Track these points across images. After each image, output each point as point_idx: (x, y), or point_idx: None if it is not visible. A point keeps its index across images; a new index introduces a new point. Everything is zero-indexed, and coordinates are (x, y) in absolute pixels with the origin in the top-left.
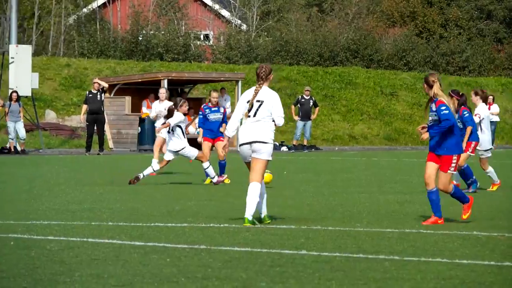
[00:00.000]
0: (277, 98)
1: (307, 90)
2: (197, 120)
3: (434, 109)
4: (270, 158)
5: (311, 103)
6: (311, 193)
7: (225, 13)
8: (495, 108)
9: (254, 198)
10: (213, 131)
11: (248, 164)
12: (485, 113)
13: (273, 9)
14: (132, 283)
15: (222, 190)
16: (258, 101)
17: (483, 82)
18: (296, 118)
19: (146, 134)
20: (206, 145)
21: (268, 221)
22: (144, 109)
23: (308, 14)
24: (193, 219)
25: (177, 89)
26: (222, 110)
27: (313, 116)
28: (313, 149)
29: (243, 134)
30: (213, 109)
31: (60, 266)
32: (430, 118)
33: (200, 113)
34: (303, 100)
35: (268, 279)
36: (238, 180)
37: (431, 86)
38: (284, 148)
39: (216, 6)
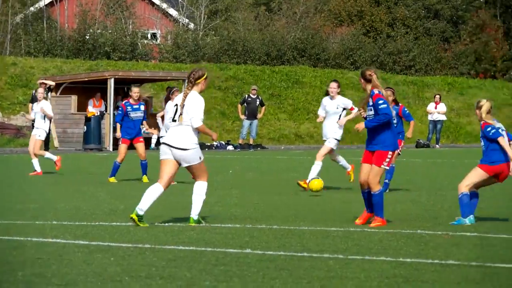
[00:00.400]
0: (196, 102)
1: (254, 89)
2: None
3: (371, 103)
4: (199, 160)
5: (258, 102)
6: (256, 192)
7: (172, 12)
8: (442, 107)
9: (199, 198)
10: (133, 130)
11: (162, 161)
12: None
13: (221, 8)
14: (76, 282)
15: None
16: (182, 105)
17: (430, 81)
18: (242, 117)
19: (92, 133)
20: (123, 147)
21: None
22: (90, 108)
23: (255, 13)
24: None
25: (123, 88)
26: (143, 107)
27: (259, 115)
28: (259, 148)
29: (167, 134)
30: (134, 106)
31: (3, 266)
32: (368, 113)
33: (120, 108)
34: (249, 99)
35: (212, 278)
36: (180, 179)
37: (368, 80)
38: (230, 147)
39: (164, 5)
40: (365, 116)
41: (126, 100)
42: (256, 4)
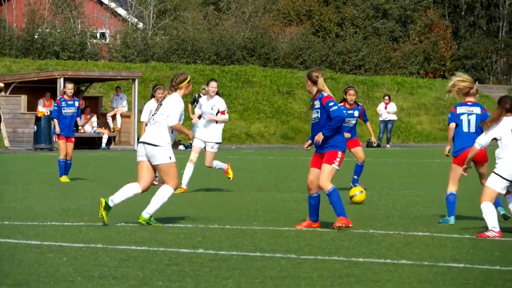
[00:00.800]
0: (174, 102)
1: (204, 89)
2: (94, 119)
3: (317, 106)
4: (169, 160)
5: None
6: (208, 192)
7: (121, 11)
8: (392, 107)
9: (158, 199)
10: (67, 126)
11: (138, 163)
12: None
13: (170, 7)
14: (28, 282)
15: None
16: (159, 104)
17: (379, 81)
18: (193, 116)
19: (42, 133)
20: (62, 143)
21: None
22: (40, 108)
23: (204, 12)
24: (90, 218)
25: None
26: (77, 104)
27: None
28: None
29: (143, 134)
30: (69, 102)
31: None
32: (313, 116)
33: (55, 104)
34: (199, 98)
35: (165, 278)
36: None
37: (315, 82)
38: (181, 147)
39: (113, 5)
40: (312, 121)
41: (61, 96)
42: (204, 3)
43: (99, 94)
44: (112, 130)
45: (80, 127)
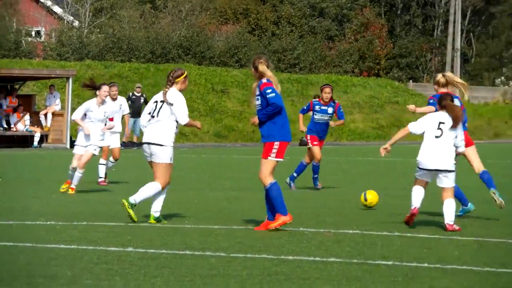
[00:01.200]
0: (179, 99)
1: (138, 87)
2: (26, 117)
3: (257, 93)
4: (169, 161)
5: (142, 100)
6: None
7: (57, 9)
8: None
9: (146, 190)
10: None
11: (150, 163)
12: None
13: (106, 5)
14: None
15: (51, 188)
16: (161, 101)
17: (314, 79)
18: None
19: None
20: None
21: (153, 222)
22: None
23: (141, 11)
24: (18, 216)
25: (6, 86)
26: None
27: None
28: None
29: (145, 133)
30: None
31: None
32: (256, 103)
33: None
34: (134, 97)
35: (94, 277)
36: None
37: (256, 68)
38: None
39: (48, 3)
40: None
41: None
42: (141, 2)
43: (33, 93)
44: (45, 129)
45: (12, 126)
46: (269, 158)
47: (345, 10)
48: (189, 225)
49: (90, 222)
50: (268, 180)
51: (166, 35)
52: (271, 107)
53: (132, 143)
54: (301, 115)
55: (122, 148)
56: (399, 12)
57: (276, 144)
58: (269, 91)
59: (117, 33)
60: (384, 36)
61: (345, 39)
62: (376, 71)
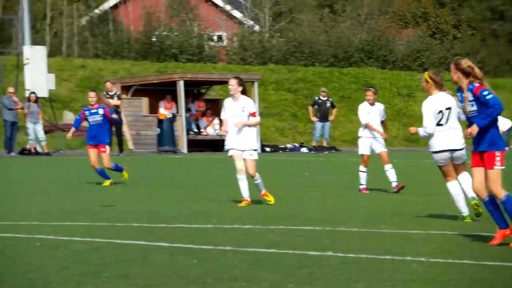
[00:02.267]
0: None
1: (324, 91)
2: (216, 121)
3: (471, 98)
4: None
5: (328, 104)
6: (334, 195)
7: (237, 14)
8: None
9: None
10: (94, 135)
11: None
12: None
13: (285, 10)
14: (159, 284)
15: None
16: (448, 108)
17: (499, 84)
18: (314, 119)
19: (165, 136)
20: (90, 152)
21: (468, 219)
22: (161, 110)
23: (320, 15)
24: (217, 220)
25: (193, 90)
26: (101, 111)
27: (331, 117)
28: (333, 151)
29: (440, 141)
30: (92, 110)
31: (87, 267)
32: (470, 109)
33: (79, 114)
34: (320, 101)
35: (296, 281)
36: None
37: (467, 73)
38: (304, 149)
39: (228, 7)
40: (468, 115)
41: (85, 107)
42: (319, 5)
43: (219, 97)
44: None
45: (202, 130)
46: (495, 167)
47: None
48: (386, 230)
49: (288, 226)
50: (502, 192)
51: (347, 39)
52: (491, 109)
53: (322, 147)
54: None
55: (313, 152)
56: None
57: (498, 152)
58: (485, 93)
59: (298, 37)
60: None
61: None
62: None
